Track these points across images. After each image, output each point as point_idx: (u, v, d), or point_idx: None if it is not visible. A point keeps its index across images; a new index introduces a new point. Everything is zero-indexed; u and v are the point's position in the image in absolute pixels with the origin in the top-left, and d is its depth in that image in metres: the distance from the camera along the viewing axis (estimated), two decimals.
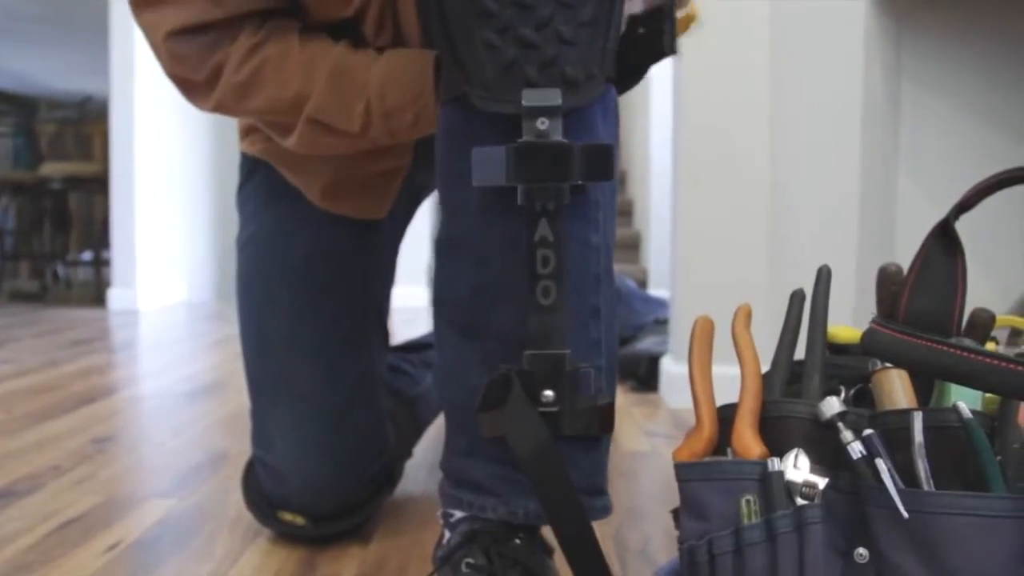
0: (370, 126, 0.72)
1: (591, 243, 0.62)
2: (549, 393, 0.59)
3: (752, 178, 1.52)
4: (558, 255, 0.58)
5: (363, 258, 0.91)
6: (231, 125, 0.77)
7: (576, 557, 0.56)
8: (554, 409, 0.59)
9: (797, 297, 0.60)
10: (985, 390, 0.45)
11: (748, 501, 0.50)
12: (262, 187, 0.86)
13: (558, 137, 0.57)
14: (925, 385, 0.55)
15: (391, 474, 0.95)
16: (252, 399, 0.90)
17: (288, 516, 0.88)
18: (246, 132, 0.89)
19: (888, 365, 0.53)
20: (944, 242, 0.67)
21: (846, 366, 0.60)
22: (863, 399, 0.57)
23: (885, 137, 1.51)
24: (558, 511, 0.56)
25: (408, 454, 1.06)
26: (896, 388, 0.53)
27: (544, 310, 0.58)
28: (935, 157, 1.52)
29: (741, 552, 0.50)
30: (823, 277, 0.60)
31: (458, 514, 0.64)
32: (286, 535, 0.90)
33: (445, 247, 0.66)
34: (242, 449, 1.27)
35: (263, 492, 0.90)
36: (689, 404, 0.61)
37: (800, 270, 1.47)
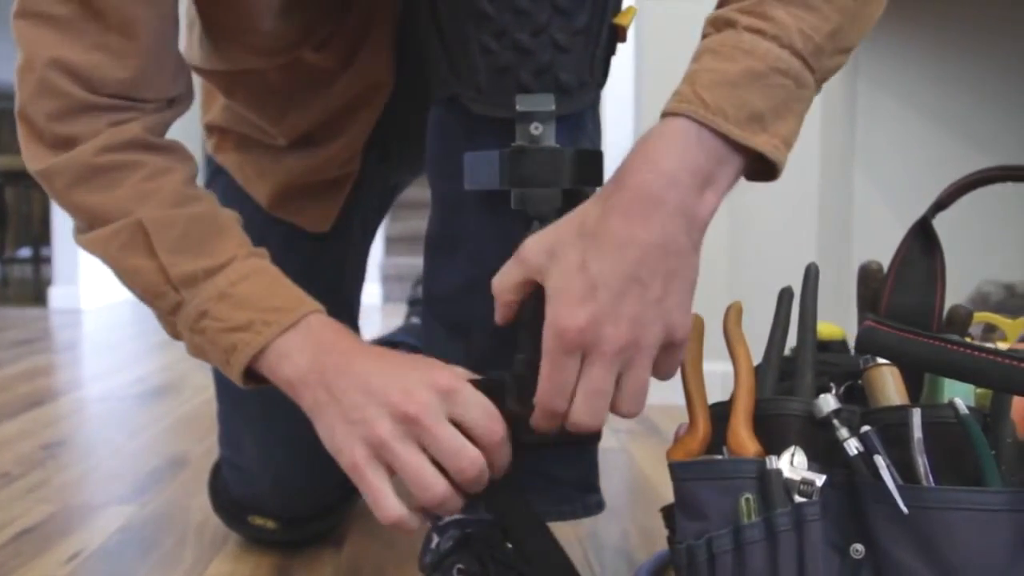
0: (197, 284, 0.59)
1: None
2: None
3: None
4: None
5: (333, 259, 0.89)
6: (187, 118, 0.74)
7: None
8: None
9: (786, 295, 0.60)
10: (991, 387, 0.46)
11: (748, 499, 0.50)
12: (230, 188, 0.83)
13: (551, 142, 0.57)
14: (913, 381, 0.55)
15: None
16: (219, 399, 0.88)
17: (259, 520, 0.86)
18: (210, 132, 0.86)
19: (881, 362, 0.54)
20: (922, 240, 0.68)
21: (834, 363, 0.60)
22: (853, 396, 0.57)
23: (842, 136, 1.54)
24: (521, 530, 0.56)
25: None
26: (888, 384, 0.53)
27: None
28: (889, 156, 1.56)
29: (741, 551, 0.50)
30: (811, 275, 0.60)
31: (447, 517, 0.62)
32: (256, 540, 0.88)
33: (437, 244, 0.65)
34: (203, 452, 1.23)
35: (232, 496, 0.87)
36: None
37: (760, 267, 1.49)
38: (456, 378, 0.55)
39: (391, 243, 3.90)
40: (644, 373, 0.51)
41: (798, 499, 0.50)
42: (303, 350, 0.57)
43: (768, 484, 0.50)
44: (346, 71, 0.75)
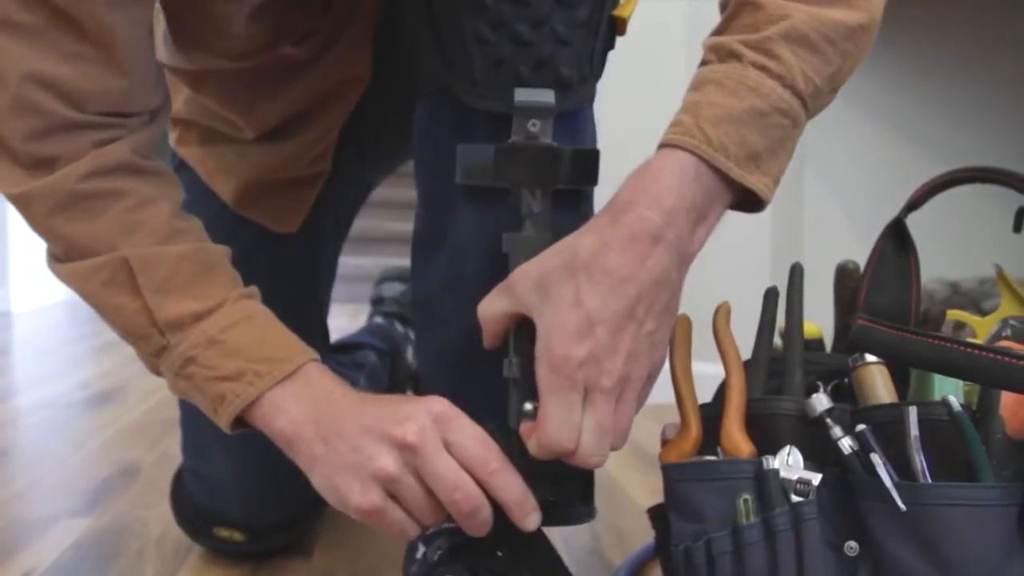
0: (184, 329, 0.57)
1: None
2: (529, 406, 0.55)
3: None
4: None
5: (307, 260, 0.87)
6: None
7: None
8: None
9: (771, 295, 0.60)
10: (993, 386, 0.46)
11: (746, 500, 0.50)
12: (195, 185, 0.80)
13: (548, 139, 0.55)
14: (899, 380, 0.56)
15: None
16: (182, 404, 0.84)
17: (225, 532, 0.83)
18: (173, 124, 0.83)
19: (870, 360, 0.54)
20: (896, 240, 0.69)
21: (818, 361, 0.61)
22: (840, 394, 0.58)
23: None
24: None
25: None
26: (878, 383, 0.54)
27: None
28: (839, 159, 1.59)
29: (740, 551, 0.50)
30: (797, 274, 0.61)
31: (432, 527, 0.61)
32: (222, 552, 0.85)
33: (423, 243, 0.63)
34: (155, 460, 1.19)
35: (196, 506, 0.84)
36: None
37: (715, 267, 1.50)
38: (451, 406, 0.53)
39: None
40: (632, 407, 0.52)
41: (795, 498, 0.51)
42: (299, 402, 0.55)
43: (766, 484, 0.51)
44: (320, 62, 0.73)
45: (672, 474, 0.54)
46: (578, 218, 0.58)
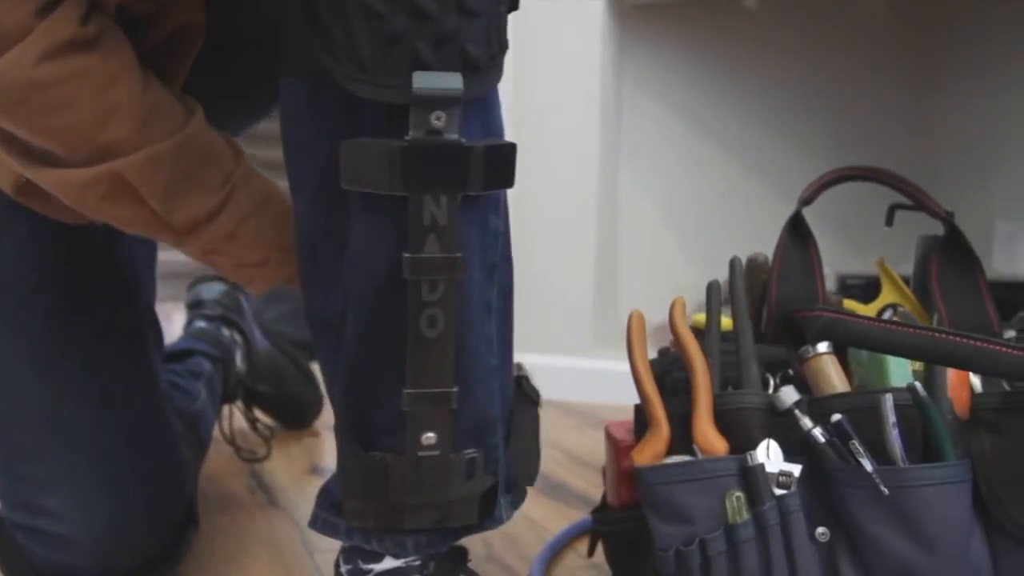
0: (200, 229, 0.55)
1: (489, 265, 0.52)
2: (431, 435, 0.51)
3: None
4: (447, 278, 0.48)
5: (122, 257, 0.74)
6: None
7: None
8: (435, 453, 0.51)
9: (715, 288, 0.60)
10: (982, 373, 0.50)
11: (738, 497, 0.50)
12: None
13: (454, 135, 0.46)
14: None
15: (193, 512, 0.79)
16: (1, 452, 0.69)
17: None
18: None
19: (820, 351, 0.57)
20: (795, 234, 0.73)
21: (762, 354, 0.62)
22: (788, 384, 0.59)
23: (612, 133, 1.63)
24: None
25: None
26: (832, 373, 0.56)
27: (429, 343, 0.48)
28: (652, 157, 1.67)
29: (736, 550, 0.49)
30: (736, 268, 0.62)
31: (377, 568, 0.55)
32: None
33: (315, 251, 0.54)
34: None
35: (32, 565, 0.69)
36: None
37: (545, 251, 1.53)
38: None
39: None
40: None
41: (777, 491, 0.51)
42: None
43: (754, 480, 0.51)
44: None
45: (652, 477, 0.52)
46: (486, 232, 0.51)
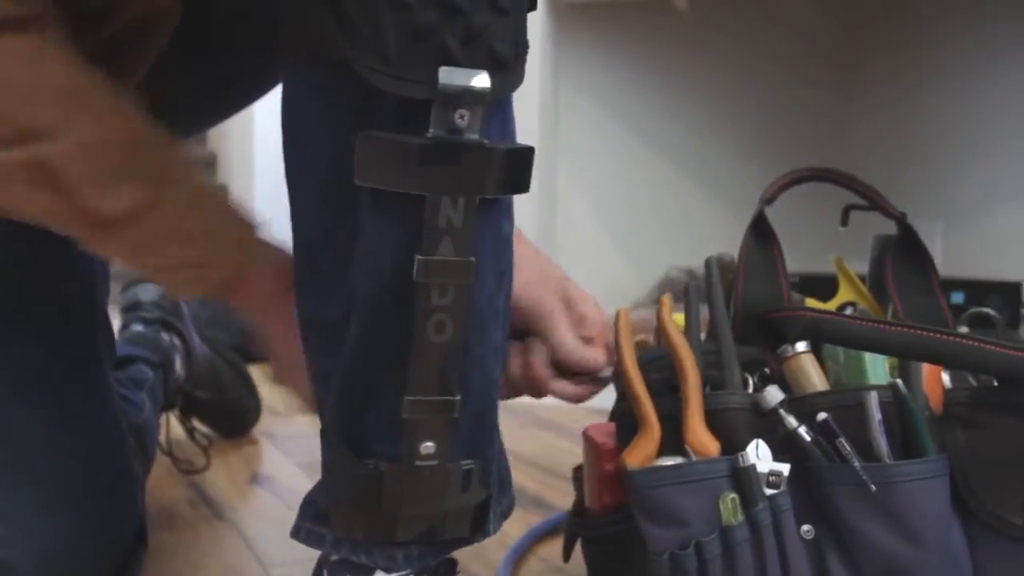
0: (131, 224, 0.52)
1: (499, 271, 0.50)
2: (430, 445, 0.49)
3: None
4: (459, 283, 0.47)
5: (82, 259, 0.70)
6: None
7: None
8: (433, 463, 0.49)
9: (693, 288, 0.61)
10: (971, 371, 0.51)
11: (733, 499, 0.50)
12: None
13: (475, 135, 0.45)
14: None
15: (143, 532, 0.75)
16: None
17: None
18: None
19: (799, 350, 0.58)
20: (758, 234, 0.74)
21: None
22: (767, 383, 0.60)
23: (549, 132, 1.63)
24: None
25: None
26: (811, 372, 0.57)
27: (436, 349, 0.47)
28: (588, 156, 1.69)
29: (731, 552, 0.50)
30: (712, 267, 0.62)
31: None
32: None
33: (319, 250, 0.51)
34: None
35: None
36: None
37: None
38: None
39: None
40: None
41: (768, 491, 0.52)
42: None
43: (747, 481, 0.51)
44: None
45: (644, 480, 0.52)
46: (499, 237, 0.50)
